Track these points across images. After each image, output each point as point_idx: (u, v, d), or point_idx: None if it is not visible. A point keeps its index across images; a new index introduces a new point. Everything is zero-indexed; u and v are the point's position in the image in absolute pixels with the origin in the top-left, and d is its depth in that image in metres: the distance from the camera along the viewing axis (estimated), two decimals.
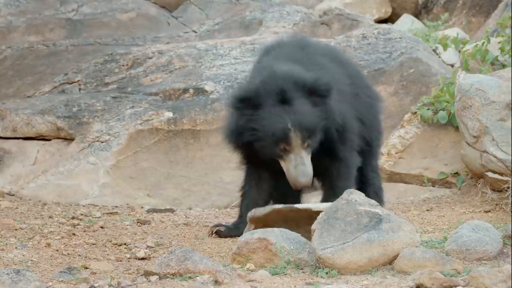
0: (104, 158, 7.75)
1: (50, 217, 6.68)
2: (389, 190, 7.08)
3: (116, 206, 7.36)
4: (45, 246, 5.68)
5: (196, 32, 9.46)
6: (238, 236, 5.49)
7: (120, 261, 5.46)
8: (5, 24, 9.32)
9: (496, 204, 6.77)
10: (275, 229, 5.12)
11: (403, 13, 12.51)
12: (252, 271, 4.92)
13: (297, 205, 5.55)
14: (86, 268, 5.18)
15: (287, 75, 5.67)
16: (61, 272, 4.95)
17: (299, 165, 5.61)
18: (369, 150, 6.25)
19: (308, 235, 5.09)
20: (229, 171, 7.69)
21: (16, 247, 5.58)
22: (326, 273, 4.82)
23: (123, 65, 8.62)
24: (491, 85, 6.88)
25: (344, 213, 4.96)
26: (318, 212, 5.12)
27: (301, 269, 4.96)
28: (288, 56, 5.94)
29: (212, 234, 6.04)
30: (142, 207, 7.32)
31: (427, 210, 6.85)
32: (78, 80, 8.56)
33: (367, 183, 6.31)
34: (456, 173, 7.49)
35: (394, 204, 7.15)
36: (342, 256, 4.82)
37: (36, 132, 7.99)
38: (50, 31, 9.30)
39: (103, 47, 9.00)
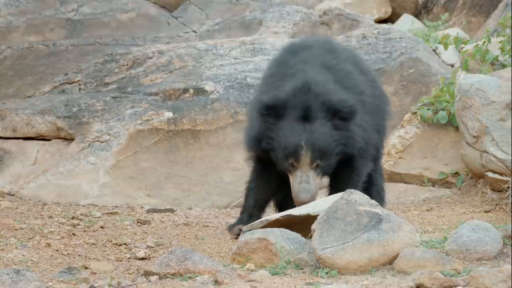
0: (104, 158, 7.75)
1: (50, 217, 6.68)
2: (389, 190, 7.08)
3: (116, 206, 7.36)
4: (45, 246, 5.68)
5: (196, 32, 9.46)
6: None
7: (120, 261, 5.46)
8: (5, 24, 9.32)
9: (496, 204, 6.77)
10: (275, 229, 5.12)
11: (403, 13, 12.50)
12: (252, 271, 4.92)
13: (294, 213, 5.53)
14: (86, 268, 5.18)
15: (317, 91, 5.66)
16: (61, 272, 4.95)
17: (303, 183, 5.63)
18: (377, 154, 6.27)
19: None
20: (229, 171, 7.69)
21: (16, 247, 5.58)
22: (326, 273, 4.82)
23: (123, 65, 8.62)
24: (491, 85, 6.88)
25: (344, 213, 4.96)
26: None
27: (301, 269, 4.96)
28: (318, 60, 5.91)
29: (237, 237, 6.00)
30: (142, 207, 7.32)
31: (427, 210, 6.85)
32: (78, 80, 8.56)
33: (371, 183, 6.32)
34: (456, 173, 7.49)
35: (394, 204, 7.15)
36: (342, 256, 4.82)
37: (36, 132, 7.99)
38: (50, 31, 9.30)
39: (103, 47, 9.00)
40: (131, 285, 4.67)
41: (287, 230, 5.12)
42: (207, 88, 8.16)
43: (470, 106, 6.88)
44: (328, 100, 5.65)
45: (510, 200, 6.61)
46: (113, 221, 6.63)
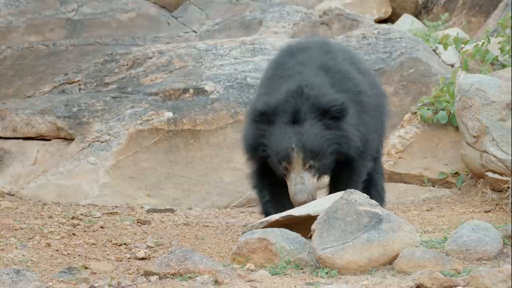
0: (104, 158, 7.75)
1: (50, 217, 6.68)
2: (389, 190, 7.08)
3: (116, 206, 7.36)
4: (45, 246, 5.68)
5: (196, 32, 9.46)
6: None
7: (120, 261, 5.46)
8: (5, 24, 9.32)
9: (496, 204, 6.77)
10: (275, 229, 5.12)
11: (403, 13, 12.50)
12: (252, 271, 4.92)
13: (294, 213, 5.53)
14: (86, 268, 5.18)
15: (308, 94, 5.65)
16: (61, 272, 4.95)
17: (298, 184, 5.63)
18: (376, 154, 6.26)
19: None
20: (229, 171, 7.69)
21: (16, 247, 5.58)
22: (326, 273, 4.82)
23: (123, 65, 8.62)
24: (491, 85, 6.87)
25: (344, 213, 4.96)
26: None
27: (301, 269, 4.96)
28: (315, 62, 5.90)
29: None
30: (142, 207, 7.32)
31: (427, 210, 6.85)
32: (78, 80, 8.56)
33: (370, 183, 6.31)
34: (456, 173, 7.49)
35: (394, 204, 7.15)
36: (342, 256, 4.82)
37: (36, 132, 7.99)
38: (50, 31, 9.30)
39: (103, 47, 9.00)
40: (131, 285, 4.67)
41: (287, 230, 5.12)
42: (207, 88, 8.16)
43: (470, 106, 6.88)
44: (317, 101, 5.63)
45: (510, 200, 6.61)
46: (113, 221, 6.63)
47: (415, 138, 7.78)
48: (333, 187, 5.99)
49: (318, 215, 5.06)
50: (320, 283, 4.63)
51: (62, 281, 4.81)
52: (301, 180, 5.63)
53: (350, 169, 5.89)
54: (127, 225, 6.51)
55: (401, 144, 7.76)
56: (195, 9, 9.84)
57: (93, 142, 7.85)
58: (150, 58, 8.64)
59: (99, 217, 6.80)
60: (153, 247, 5.80)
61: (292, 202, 5.69)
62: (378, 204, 5.11)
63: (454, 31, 10.35)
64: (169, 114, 7.93)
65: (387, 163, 7.62)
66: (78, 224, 6.44)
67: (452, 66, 9.18)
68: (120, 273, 5.08)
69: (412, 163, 7.70)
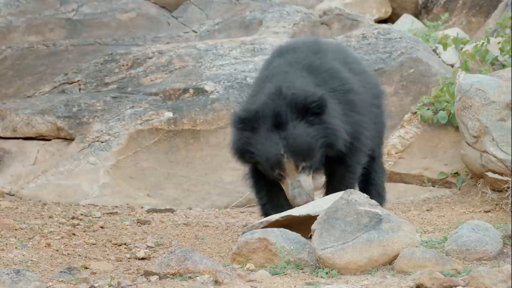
0: (104, 158, 7.75)
1: (50, 217, 6.68)
2: (389, 190, 7.08)
3: (116, 206, 7.36)
4: (45, 246, 5.68)
5: (196, 32, 9.46)
6: None
7: (120, 261, 5.46)
8: (5, 24, 9.32)
9: (496, 204, 6.77)
10: (275, 229, 5.12)
11: (403, 13, 12.51)
12: (252, 271, 4.92)
13: (294, 213, 5.52)
14: (86, 268, 5.18)
15: (286, 94, 5.59)
16: (61, 272, 4.95)
17: (295, 188, 5.62)
18: (374, 153, 6.25)
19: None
20: (229, 171, 7.69)
21: (16, 247, 5.58)
22: (326, 273, 4.82)
23: (123, 65, 8.62)
24: (491, 85, 6.88)
25: (344, 213, 4.96)
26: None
27: (301, 269, 4.96)
28: (301, 62, 5.89)
29: None
30: (142, 207, 7.32)
31: (427, 210, 6.85)
32: (78, 80, 8.56)
33: (369, 182, 6.31)
34: (456, 173, 7.49)
35: (394, 204, 7.15)
36: (342, 256, 4.82)
37: (36, 132, 7.99)
38: (50, 31, 9.31)
39: (103, 47, 9.00)
40: (131, 285, 4.67)
41: (287, 230, 5.12)
42: (207, 88, 8.16)
43: (470, 106, 6.88)
44: (295, 100, 5.59)
45: (510, 200, 6.61)
46: (113, 221, 6.63)
47: (415, 138, 7.78)
48: (329, 185, 5.98)
49: (318, 215, 5.06)
50: (320, 283, 4.63)
51: (62, 281, 4.81)
52: (298, 184, 5.62)
53: (344, 165, 5.87)
54: (127, 225, 6.51)
55: (401, 144, 7.77)
56: (195, 9, 9.84)
57: (93, 142, 7.85)
58: (150, 58, 8.64)
59: (99, 217, 6.80)
60: (153, 247, 5.80)
61: (290, 203, 5.69)
62: (378, 204, 5.11)
63: (454, 31, 10.36)
64: (169, 114, 7.93)
65: (387, 163, 7.62)
66: (78, 224, 6.44)
67: (452, 66, 9.18)
68: (120, 273, 5.08)
69: (412, 163, 7.70)
